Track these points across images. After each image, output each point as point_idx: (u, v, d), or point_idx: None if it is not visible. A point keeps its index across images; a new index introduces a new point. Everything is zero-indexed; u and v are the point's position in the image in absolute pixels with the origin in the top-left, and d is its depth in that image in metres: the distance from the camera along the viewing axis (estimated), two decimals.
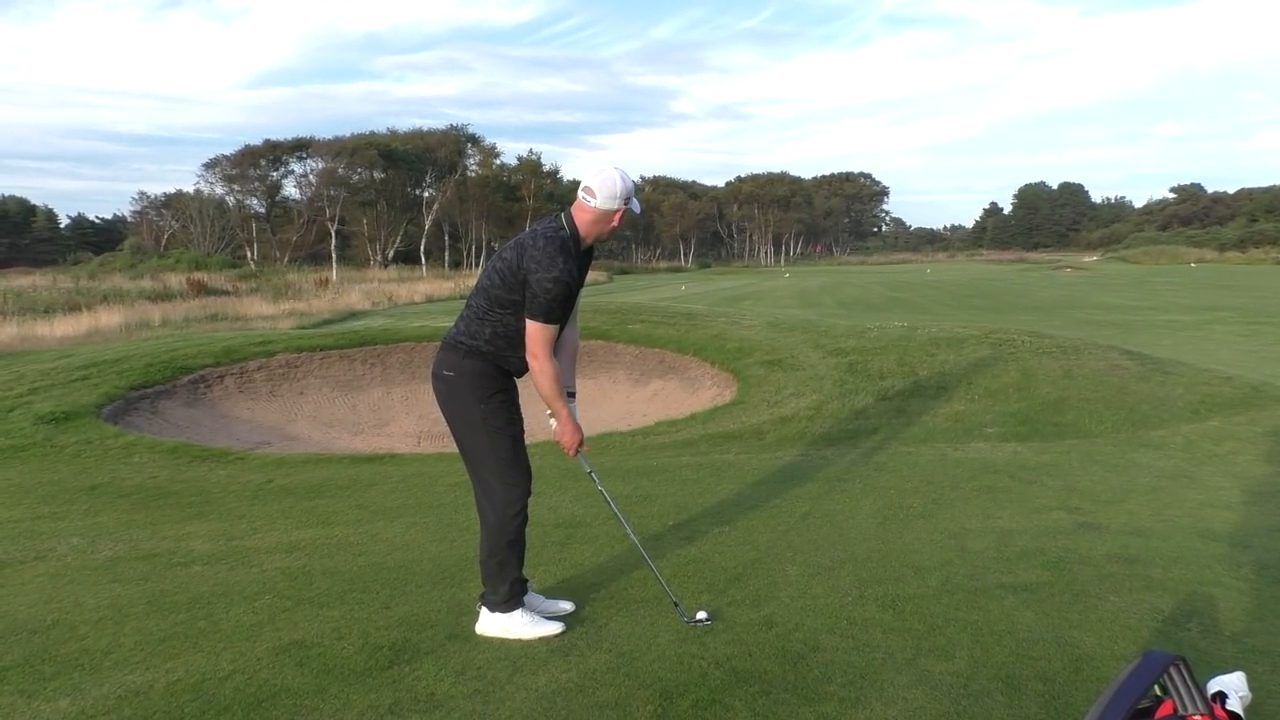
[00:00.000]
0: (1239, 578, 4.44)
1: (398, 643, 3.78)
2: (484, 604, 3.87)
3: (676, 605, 4.02)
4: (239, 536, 5.69)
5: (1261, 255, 74.76)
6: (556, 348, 3.78)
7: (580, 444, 3.93)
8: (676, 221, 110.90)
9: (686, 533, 5.35)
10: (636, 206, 3.83)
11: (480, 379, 3.79)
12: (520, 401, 4.00)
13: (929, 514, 5.71)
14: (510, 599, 3.82)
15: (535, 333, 3.65)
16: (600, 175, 3.73)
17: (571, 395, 3.97)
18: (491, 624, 3.83)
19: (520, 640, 3.77)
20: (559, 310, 3.66)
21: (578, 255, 3.75)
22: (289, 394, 11.91)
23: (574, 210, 3.79)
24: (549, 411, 3.87)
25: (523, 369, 3.84)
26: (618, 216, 3.78)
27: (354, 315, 29.96)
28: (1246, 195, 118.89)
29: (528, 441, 4.04)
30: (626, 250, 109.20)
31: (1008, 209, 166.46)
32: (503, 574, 3.81)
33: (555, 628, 3.82)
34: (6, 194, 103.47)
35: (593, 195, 3.71)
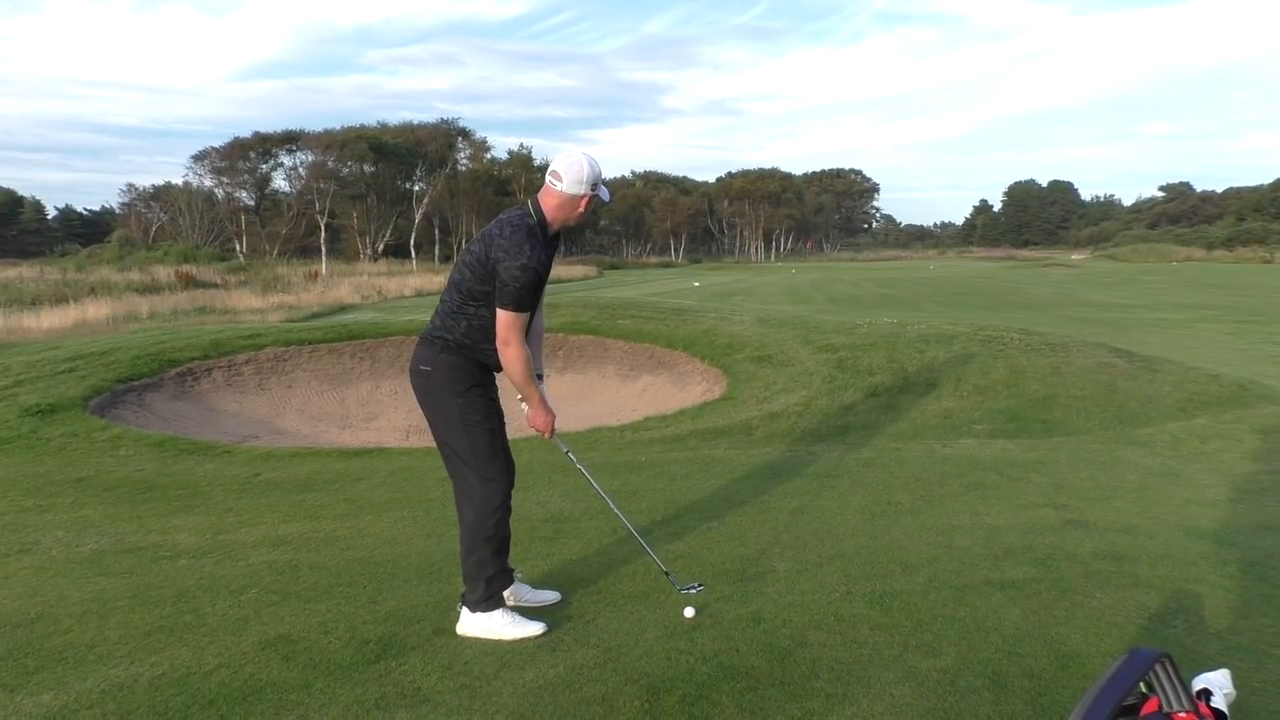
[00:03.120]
0: (1224, 575, 4.45)
1: (384, 637, 3.76)
2: (464, 603, 3.85)
3: (668, 574, 4.03)
4: (225, 530, 5.67)
5: (1249, 254, 75.15)
6: (525, 333, 3.76)
7: (553, 425, 3.91)
8: (667, 217, 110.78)
9: (675, 528, 5.35)
10: (605, 194, 3.80)
11: (456, 373, 3.77)
12: (501, 399, 4.00)
13: (917, 510, 5.71)
14: (488, 598, 3.79)
15: (505, 320, 3.63)
16: (568, 159, 3.71)
17: (540, 377, 3.96)
18: (472, 624, 3.80)
19: (503, 639, 3.75)
20: (528, 298, 3.64)
21: (545, 243, 3.73)
22: (277, 387, 11.88)
23: (541, 196, 3.75)
24: (520, 397, 3.85)
25: (500, 363, 3.83)
26: (584, 202, 3.74)
27: (343, 309, 29.90)
28: (1235, 194, 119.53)
29: (513, 437, 4.03)
30: (617, 246, 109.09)
31: (998, 206, 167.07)
32: (480, 572, 3.79)
33: (537, 628, 3.79)
34: None
35: (559, 180, 3.69)
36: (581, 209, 3.76)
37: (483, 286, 3.68)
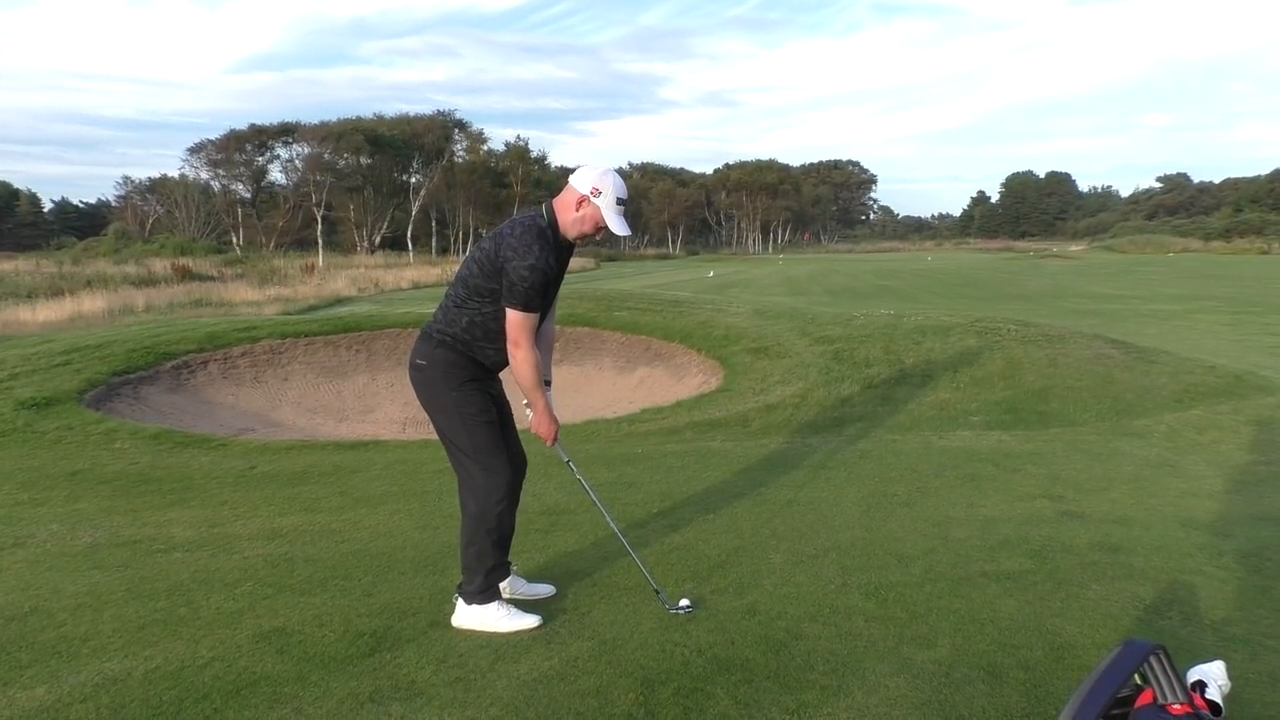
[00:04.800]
0: (1220, 566, 4.46)
1: (379, 630, 3.76)
2: (460, 595, 3.84)
3: (658, 593, 4.00)
4: (220, 523, 5.66)
5: (1246, 245, 75.09)
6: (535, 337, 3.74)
7: (555, 433, 3.88)
8: (665, 209, 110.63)
9: (671, 520, 5.34)
10: (619, 227, 3.70)
11: (451, 368, 3.76)
12: (508, 392, 3.98)
13: (913, 502, 5.71)
14: (486, 590, 3.79)
15: (515, 321, 3.61)
16: (590, 165, 3.71)
17: (547, 384, 3.94)
18: (468, 616, 3.80)
19: (498, 632, 3.75)
20: (537, 298, 3.62)
21: (556, 246, 3.71)
22: (273, 380, 11.86)
23: (556, 200, 3.75)
24: (525, 401, 3.84)
25: (498, 363, 3.81)
26: (578, 203, 3.65)
27: (340, 301, 29.86)
28: (1232, 185, 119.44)
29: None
30: (615, 237, 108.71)
31: (995, 198, 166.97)
32: (480, 564, 3.79)
33: (532, 621, 3.79)
34: None
35: (573, 177, 3.70)
36: (575, 211, 3.67)
37: (489, 284, 3.66)
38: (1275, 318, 20.56)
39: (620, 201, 3.69)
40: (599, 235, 3.79)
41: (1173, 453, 7.18)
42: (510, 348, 3.66)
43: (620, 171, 3.77)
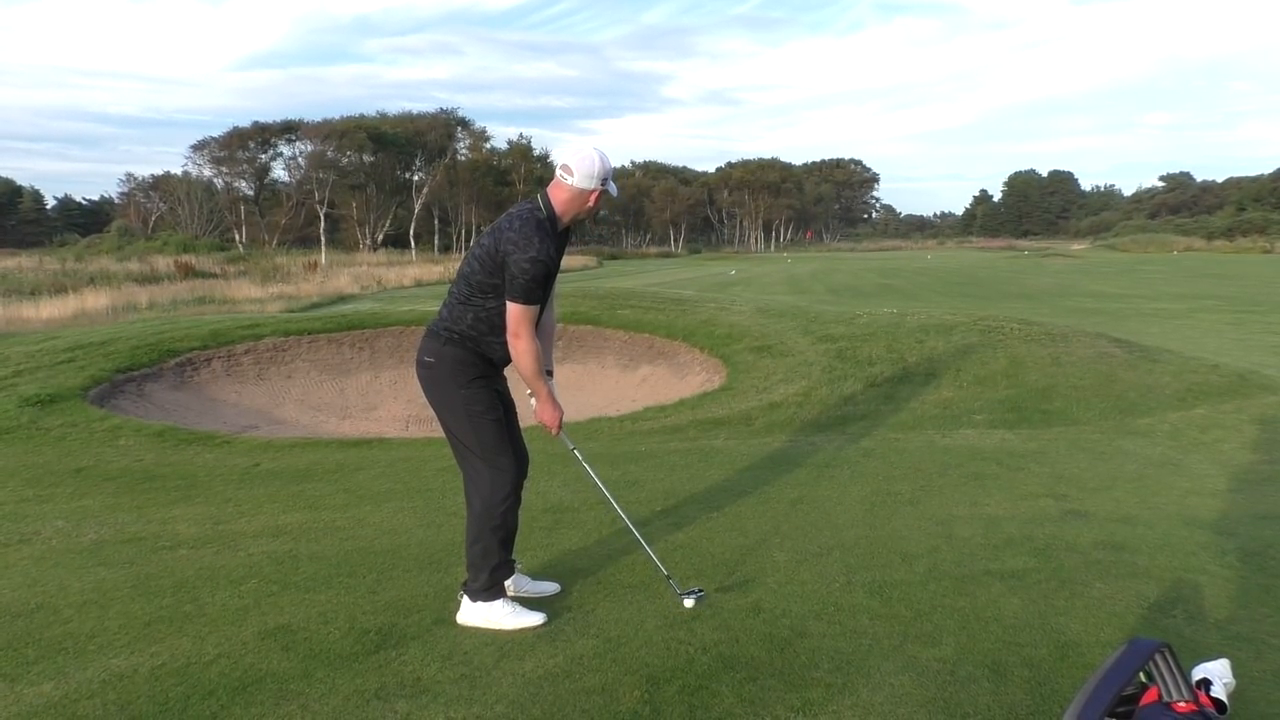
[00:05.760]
0: (1224, 565, 4.45)
1: (384, 627, 3.77)
2: (466, 592, 3.85)
3: (669, 579, 4.02)
4: (225, 520, 5.67)
5: (1249, 244, 74.95)
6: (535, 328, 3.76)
7: (560, 421, 3.91)
8: (667, 207, 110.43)
9: (675, 519, 5.35)
10: (614, 189, 3.82)
11: (460, 365, 3.77)
12: (511, 389, 3.99)
13: (917, 501, 5.71)
14: (491, 587, 3.80)
15: (516, 313, 3.64)
16: (579, 154, 3.70)
17: (549, 374, 3.96)
18: (473, 613, 3.81)
19: (503, 629, 3.76)
20: (538, 291, 3.64)
21: (555, 235, 3.73)
22: (276, 378, 11.87)
23: (551, 190, 3.76)
24: (529, 391, 3.86)
25: (505, 357, 3.82)
26: (594, 197, 3.75)
27: (342, 299, 29.84)
28: (1235, 184, 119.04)
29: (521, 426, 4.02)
30: (616, 236, 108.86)
31: (998, 196, 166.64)
32: (485, 561, 3.80)
33: (537, 618, 3.80)
34: None
35: (570, 174, 3.69)
36: (591, 204, 3.77)
37: (492, 279, 3.68)
38: (1278, 317, 20.54)
39: (611, 173, 3.81)
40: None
41: (1176, 451, 7.18)
42: (511, 339, 3.69)
43: (623, 170, 3.80)
